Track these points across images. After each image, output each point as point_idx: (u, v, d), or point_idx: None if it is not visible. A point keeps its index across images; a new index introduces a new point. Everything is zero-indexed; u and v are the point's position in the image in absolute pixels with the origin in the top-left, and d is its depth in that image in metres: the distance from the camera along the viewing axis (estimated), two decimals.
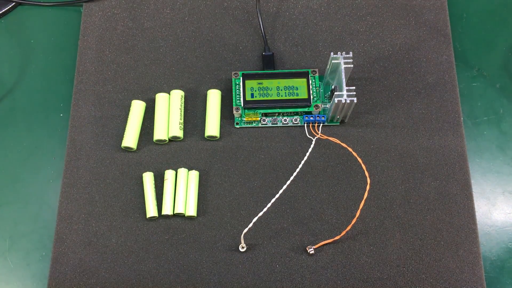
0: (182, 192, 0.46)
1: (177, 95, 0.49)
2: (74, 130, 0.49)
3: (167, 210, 0.45)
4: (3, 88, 0.52)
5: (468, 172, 0.47)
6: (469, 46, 0.53)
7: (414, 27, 0.52)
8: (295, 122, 0.48)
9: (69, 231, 0.46)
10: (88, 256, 0.45)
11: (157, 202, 0.46)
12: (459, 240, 0.45)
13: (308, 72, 0.48)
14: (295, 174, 0.44)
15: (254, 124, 0.49)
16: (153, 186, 0.46)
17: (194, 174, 0.46)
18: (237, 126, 0.49)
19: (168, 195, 0.46)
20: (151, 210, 0.45)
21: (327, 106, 0.48)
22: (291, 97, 0.47)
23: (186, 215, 0.45)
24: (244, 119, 0.48)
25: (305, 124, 0.48)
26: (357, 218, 0.44)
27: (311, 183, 0.47)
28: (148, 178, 0.46)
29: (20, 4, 0.55)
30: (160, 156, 0.48)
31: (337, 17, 0.53)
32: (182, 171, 0.47)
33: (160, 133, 0.48)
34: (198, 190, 0.47)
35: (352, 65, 0.43)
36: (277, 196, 0.43)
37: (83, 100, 0.50)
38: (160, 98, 0.49)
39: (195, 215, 0.46)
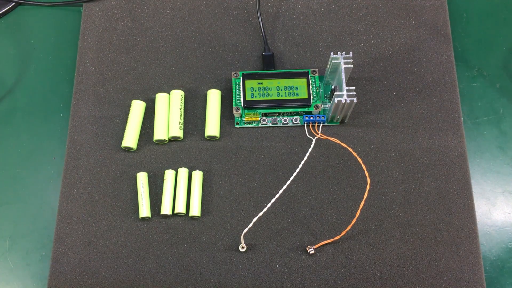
0: (182, 192, 0.46)
1: (177, 95, 0.49)
2: (74, 130, 0.49)
3: (166, 210, 0.45)
4: (3, 88, 0.52)
5: (468, 172, 0.47)
6: (469, 46, 0.53)
7: (414, 27, 0.52)
8: (295, 122, 0.48)
9: (69, 231, 0.46)
10: (88, 256, 0.45)
11: (150, 202, 0.46)
12: (459, 240, 0.45)
13: (308, 72, 0.48)
14: (295, 174, 0.44)
15: (254, 124, 0.49)
16: (147, 186, 0.46)
17: (198, 174, 0.46)
18: (237, 126, 0.49)
19: (168, 195, 0.46)
20: (143, 211, 0.45)
21: (327, 106, 0.48)
22: (291, 97, 0.47)
23: (190, 215, 0.45)
24: (244, 119, 0.48)
25: (305, 124, 0.48)
26: (357, 218, 0.44)
27: (311, 183, 0.47)
28: (141, 178, 0.46)
29: (20, 4, 0.55)
30: (160, 156, 0.48)
31: (337, 17, 0.53)
32: (183, 170, 0.47)
33: (160, 133, 0.48)
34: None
35: (352, 65, 0.43)
36: (277, 196, 0.43)
37: (83, 100, 0.50)
38: (160, 98, 0.49)
39: (199, 215, 0.45)
